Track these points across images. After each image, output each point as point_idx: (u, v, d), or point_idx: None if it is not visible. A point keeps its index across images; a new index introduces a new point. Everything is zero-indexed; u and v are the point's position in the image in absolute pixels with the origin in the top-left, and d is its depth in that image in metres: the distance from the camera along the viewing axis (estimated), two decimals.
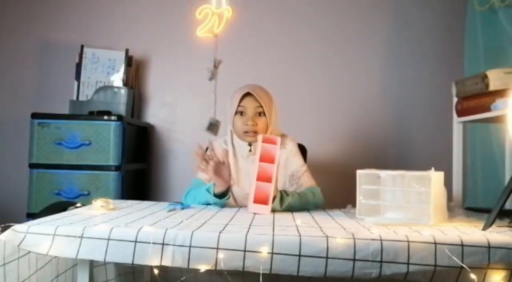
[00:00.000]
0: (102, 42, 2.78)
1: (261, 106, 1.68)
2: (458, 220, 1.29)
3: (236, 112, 1.70)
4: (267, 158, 1.42)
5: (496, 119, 1.71)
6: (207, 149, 1.60)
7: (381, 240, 0.98)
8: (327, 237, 0.99)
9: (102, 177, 2.35)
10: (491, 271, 0.99)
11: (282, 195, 1.50)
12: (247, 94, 1.69)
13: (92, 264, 1.26)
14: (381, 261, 0.97)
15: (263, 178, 1.41)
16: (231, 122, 1.72)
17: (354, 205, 1.42)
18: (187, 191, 1.70)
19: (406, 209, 1.23)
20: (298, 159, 1.74)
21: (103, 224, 1.07)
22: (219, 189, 1.53)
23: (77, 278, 1.23)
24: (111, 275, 1.44)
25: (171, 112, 2.88)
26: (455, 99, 1.88)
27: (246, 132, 1.69)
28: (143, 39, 2.86)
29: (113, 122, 2.37)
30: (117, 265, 1.45)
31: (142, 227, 1.04)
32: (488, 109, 1.65)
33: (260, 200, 1.40)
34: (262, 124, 1.69)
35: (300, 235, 1.00)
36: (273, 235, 1.00)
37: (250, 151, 1.70)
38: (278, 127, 1.81)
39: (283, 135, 1.77)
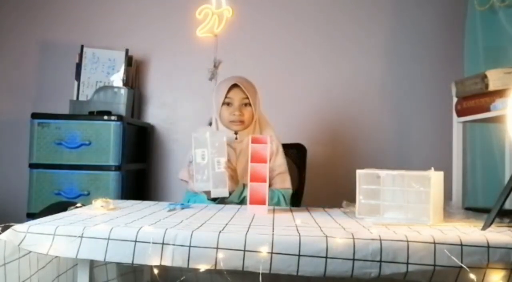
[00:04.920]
0: (102, 42, 2.78)
1: (247, 97, 1.77)
2: (457, 220, 1.29)
3: (223, 103, 1.77)
4: (258, 158, 1.43)
5: (496, 120, 1.71)
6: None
7: (380, 239, 0.98)
8: (326, 237, 0.99)
9: (102, 177, 2.35)
10: (490, 271, 0.99)
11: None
12: (233, 86, 1.77)
13: (92, 264, 1.26)
14: (380, 261, 0.97)
15: (257, 178, 1.41)
16: (218, 112, 1.79)
17: (349, 201, 1.43)
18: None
19: (406, 209, 1.24)
20: (279, 158, 1.80)
21: (103, 224, 1.07)
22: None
23: (77, 278, 1.23)
24: (112, 275, 1.44)
25: (171, 112, 2.89)
26: (455, 99, 1.88)
27: (232, 121, 1.77)
28: (143, 39, 2.86)
29: (113, 122, 2.37)
30: (118, 265, 1.45)
31: (142, 227, 1.04)
32: (487, 109, 1.65)
33: (256, 200, 1.40)
34: (248, 114, 1.78)
35: (299, 235, 1.00)
36: (273, 234, 1.00)
37: (236, 138, 1.79)
38: (263, 116, 1.88)
39: (268, 125, 1.86)
